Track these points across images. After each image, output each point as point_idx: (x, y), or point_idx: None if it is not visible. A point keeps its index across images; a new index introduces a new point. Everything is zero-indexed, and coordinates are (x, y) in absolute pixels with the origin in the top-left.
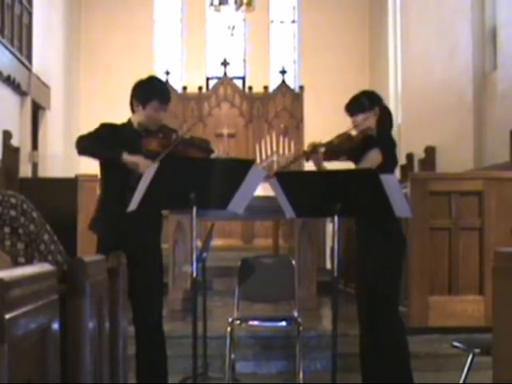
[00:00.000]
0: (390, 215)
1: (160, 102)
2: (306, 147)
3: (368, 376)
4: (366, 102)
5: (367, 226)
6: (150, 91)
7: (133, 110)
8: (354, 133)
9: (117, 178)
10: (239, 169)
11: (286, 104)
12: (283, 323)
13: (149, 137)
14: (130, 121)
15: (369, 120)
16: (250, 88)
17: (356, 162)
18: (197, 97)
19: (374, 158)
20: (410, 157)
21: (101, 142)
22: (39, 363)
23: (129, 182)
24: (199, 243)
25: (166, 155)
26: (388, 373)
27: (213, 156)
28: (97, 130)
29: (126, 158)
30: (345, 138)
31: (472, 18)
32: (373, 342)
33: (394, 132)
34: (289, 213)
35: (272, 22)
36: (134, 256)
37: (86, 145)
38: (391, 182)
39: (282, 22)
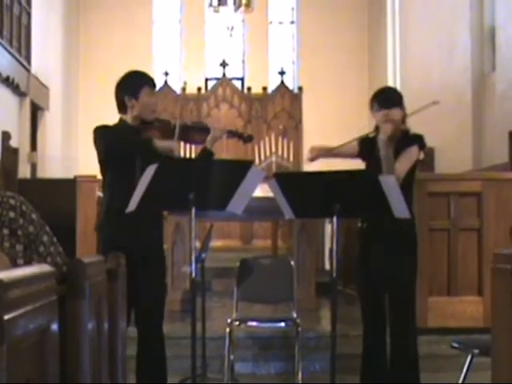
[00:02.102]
0: (390, 216)
1: (150, 86)
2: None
3: (371, 377)
4: (399, 97)
5: (384, 227)
6: (138, 81)
7: (123, 111)
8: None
9: (123, 179)
10: (238, 170)
11: (284, 105)
12: (282, 324)
13: (148, 129)
14: (122, 120)
15: (398, 116)
16: (249, 89)
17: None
18: (196, 97)
19: (414, 154)
20: None
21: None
22: (38, 364)
23: (134, 183)
24: (198, 244)
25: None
26: (401, 373)
27: (212, 131)
28: (104, 132)
29: (158, 143)
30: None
31: (471, 19)
32: (394, 345)
33: None
34: (288, 213)
35: (271, 22)
36: (143, 257)
37: (117, 143)
38: (390, 182)
39: (280, 22)
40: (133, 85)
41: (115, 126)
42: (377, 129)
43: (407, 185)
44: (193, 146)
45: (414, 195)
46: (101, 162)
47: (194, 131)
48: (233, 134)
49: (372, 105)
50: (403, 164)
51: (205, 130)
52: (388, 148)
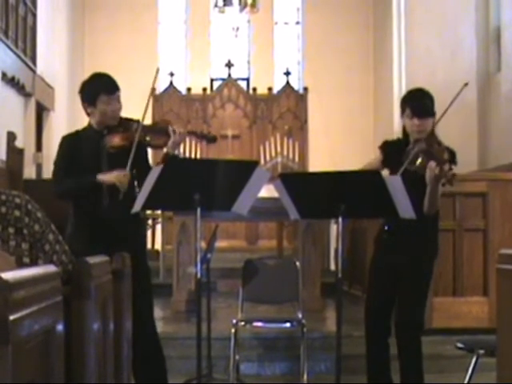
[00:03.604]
0: (395, 217)
1: (107, 93)
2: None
3: (377, 377)
4: (432, 104)
5: (407, 229)
6: (92, 88)
7: (88, 114)
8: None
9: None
10: (243, 170)
11: (290, 105)
12: (287, 325)
13: (110, 133)
14: (89, 124)
15: (430, 126)
16: (255, 89)
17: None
18: (201, 98)
19: None
20: None
21: (69, 174)
22: (43, 365)
23: (98, 194)
24: (203, 244)
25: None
26: (410, 373)
27: (173, 135)
28: (60, 155)
29: (101, 178)
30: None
31: (476, 19)
32: (404, 344)
33: (398, 133)
34: (293, 214)
35: (276, 23)
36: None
37: (60, 190)
38: (395, 183)
39: (286, 23)
40: (89, 93)
41: (82, 130)
42: (405, 133)
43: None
44: (196, 146)
45: None
46: None
47: (154, 135)
48: (195, 135)
49: (404, 109)
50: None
51: (164, 134)
52: (437, 184)
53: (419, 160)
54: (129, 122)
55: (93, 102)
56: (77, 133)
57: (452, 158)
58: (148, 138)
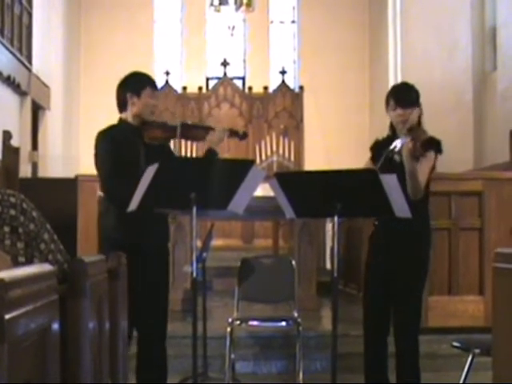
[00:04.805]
0: (391, 216)
1: (152, 87)
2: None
3: (375, 377)
4: (417, 97)
5: (397, 227)
6: (141, 80)
7: (123, 109)
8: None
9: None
10: (239, 169)
11: (285, 104)
12: (283, 323)
13: (149, 128)
14: (122, 120)
15: (414, 117)
16: (250, 88)
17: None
18: (197, 97)
19: (431, 160)
20: None
21: (116, 169)
22: (39, 363)
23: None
24: (199, 243)
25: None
26: (406, 373)
27: (216, 130)
28: (105, 150)
29: None
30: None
31: (472, 18)
32: (402, 343)
33: None
34: (289, 213)
35: (272, 22)
36: (148, 256)
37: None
38: (391, 182)
39: (281, 22)
40: (136, 83)
41: (114, 126)
42: (392, 128)
43: (425, 197)
44: (194, 146)
45: None
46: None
47: (195, 129)
48: (233, 133)
49: (388, 102)
50: (422, 173)
51: (206, 128)
52: (412, 161)
53: (399, 145)
54: (160, 121)
55: (138, 92)
56: (111, 128)
57: (437, 145)
58: (189, 132)
